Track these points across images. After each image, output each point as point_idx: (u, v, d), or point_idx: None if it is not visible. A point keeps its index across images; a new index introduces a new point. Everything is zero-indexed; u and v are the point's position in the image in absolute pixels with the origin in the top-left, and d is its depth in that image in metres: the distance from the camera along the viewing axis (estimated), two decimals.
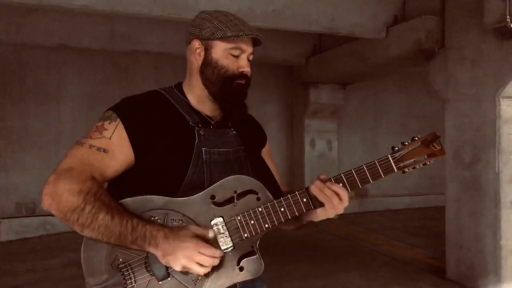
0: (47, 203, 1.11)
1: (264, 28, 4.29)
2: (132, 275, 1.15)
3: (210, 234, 1.15)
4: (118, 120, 1.20)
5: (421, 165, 1.25)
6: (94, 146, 1.17)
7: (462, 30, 3.97)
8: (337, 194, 1.19)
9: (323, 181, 1.21)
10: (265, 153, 1.47)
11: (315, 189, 1.20)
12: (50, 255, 5.04)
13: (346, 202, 1.20)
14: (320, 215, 1.25)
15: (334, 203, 1.19)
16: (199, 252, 1.10)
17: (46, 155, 5.98)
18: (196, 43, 1.28)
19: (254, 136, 1.43)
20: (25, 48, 5.92)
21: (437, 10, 4.28)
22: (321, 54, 6.43)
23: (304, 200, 1.21)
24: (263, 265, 1.19)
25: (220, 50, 1.26)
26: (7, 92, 5.98)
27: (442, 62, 4.22)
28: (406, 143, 1.24)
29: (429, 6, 4.39)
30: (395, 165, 1.22)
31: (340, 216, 1.26)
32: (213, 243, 1.16)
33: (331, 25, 4.53)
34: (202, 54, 1.27)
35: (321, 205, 1.21)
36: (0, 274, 4.44)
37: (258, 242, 1.20)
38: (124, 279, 1.15)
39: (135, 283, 1.15)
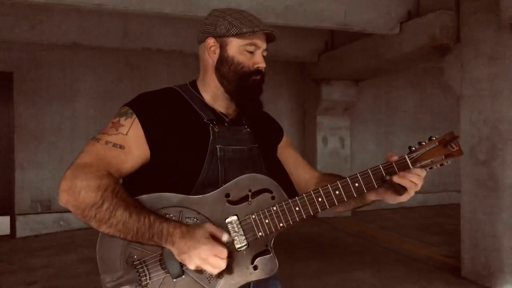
0: (64, 199, 1.11)
1: (276, 24, 4.28)
2: (147, 272, 1.15)
3: (225, 238, 1.14)
4: (134, 116, 1.20)
5: (438, 166, 1.22)
6: (110, 142, 1.17)
7: (478, 25, 3.90)
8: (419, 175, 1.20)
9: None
10: (284, 146, 1.46)
11: (400, 179, 1.19)
12: (65, 251, 5.11)
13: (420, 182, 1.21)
14: (402, 198, 1.24)
15: (418, 185, 1.20)
16: (214, 255, 1.10)
17: (60, 153, 6.05)
18: (211, 41, 1.28)
19: (269, 133, 1.42)
20: (39, 47, 5.99)
21: (452, 5, 4.22)
22: (333, 51, 6.38)
23: (320, 199, 1.19)
24: (277, 264, 1.18)
25: (236, 47, 1.26)
26: (22, 91, 6.06)
27: (457, 58, 4.15)
28: (423, 143, 1.22)
29: (444, 1, 4.33)
30: (412, 166, 1.20)
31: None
32: (230, 244, 1.16)
33: (344, 22, 4.49)
34: (217, 51, 1.28)
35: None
36: (16, 270, 4.52)
37: (272, 241, 1.20)
38: (138, 276, 1.15)
39: (149, 280, 1.15)
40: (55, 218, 6.02)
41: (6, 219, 6.08)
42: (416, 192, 1.22)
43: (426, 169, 1.23)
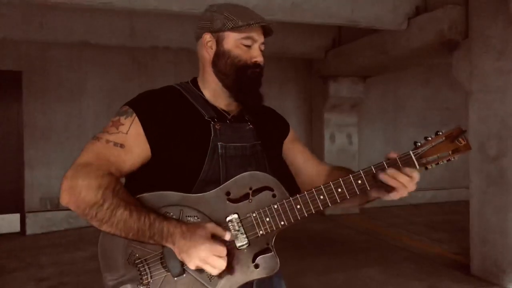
0: (65, 199, 1.11)
1: (283, 21, 4.26)
2: (148, 271, 1.15)
3: (227, 236, 1.14)
4: (134, 115, 1.20)
5: (445, 161, 1.19)
6: (110, 141, 1.17)
7: (487, 20, 3.85)
8: (410, 176, 1.17)
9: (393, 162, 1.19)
10: (291, 141, 1.45)
11: (386, 177, 1.17)
12: (74, 248, 5.15)
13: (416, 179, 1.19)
14: (392, 196, 1.22)
15: (409, 187, 1.18)
16: (213, 255, 1.09)
17: (68, 151, 6.09)
18: (207, 36, 1.27)
19: (273, 130, 1.41)
20: (47, 46, 6.03)
21: (460, 0, 4.16)
22: (340, 47, 6.34)
23: (321, 197, 1.18)
24: (279, 262, 1.18)
25: (232, 41, 1.25)
26: (30, 89, 6.11)
27: (466, 53, 4.10)
28: (429, 138, 1.19)
29: None
30: (417, 162, 1.18)
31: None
32: (231, 242, 1.15)
33: (351, 18, 4.46)
34: (214, 46, 1.27)
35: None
36: (26, 266, 4.57)
37: (273, 239, 1.19)
38: (140, 274, 1.15)
39: (150, 278, 1.15)
40: (64, 215, 6.07)
41: (16, 217, 6.15)
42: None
43: (432, 166, 1.20)
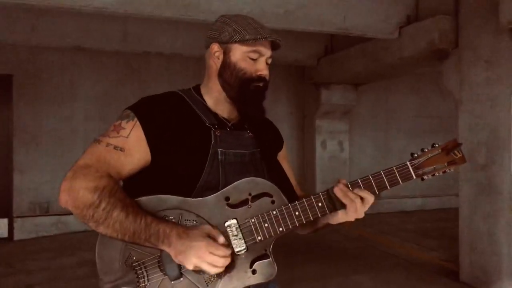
0: (64, 199, 1.13)
1: (276, 28, 4.29)
2: (145, 274, 1.16)
3: (221, 240, 1.14)
4: (136, 119, 1.21)
5: (441, 173, 1.23)
6: (111, 145, 1.19)
7: (477, 30, 3.92)
8: (361, 198, 1.19)
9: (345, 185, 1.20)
10: (281, 157, 1.47)
11: (339, 191, 1.19)
12: (63, 254, 5.09)
13: (368, 206, 1.20)
14: (340, 217, 1.24)
15: (357, 206, 1.19)
16: (210, 253, 1.10)
17: (59, 155, 6.04)
18: (215, 47, 1.29)
19: (271, 140, 1.43)
20: (39, 50, 5.99)
21: (451, 10, 4.24)
22: (333, 55, 6.40)
23: (319, 204, 1.20)
24: (276, 268, 1.19)
25: (239, 53, 1.27)
26: (21, 93, 6.05)
27: (456, 63, 4.17)
28: (426, 149, 1.22)
29: (442, 6, 4.34)
30: (414, 172, 1.21)
31: (356, 218, 1.26)
32: (227, 245, 1.16)
33: (344, 26, 4.51)
34: (221, 57, 1.29)
35: (341, 207, 1.20)
36: (14, 272, 4.50)
37: (271, 246, 1.20)
38: (137, 277, 1.16)
39: (148, 281, 1.16)
40: (53, 220, 6.01)
41: (4, 222, 6.06)
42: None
43: (428, 177, 1.22)
